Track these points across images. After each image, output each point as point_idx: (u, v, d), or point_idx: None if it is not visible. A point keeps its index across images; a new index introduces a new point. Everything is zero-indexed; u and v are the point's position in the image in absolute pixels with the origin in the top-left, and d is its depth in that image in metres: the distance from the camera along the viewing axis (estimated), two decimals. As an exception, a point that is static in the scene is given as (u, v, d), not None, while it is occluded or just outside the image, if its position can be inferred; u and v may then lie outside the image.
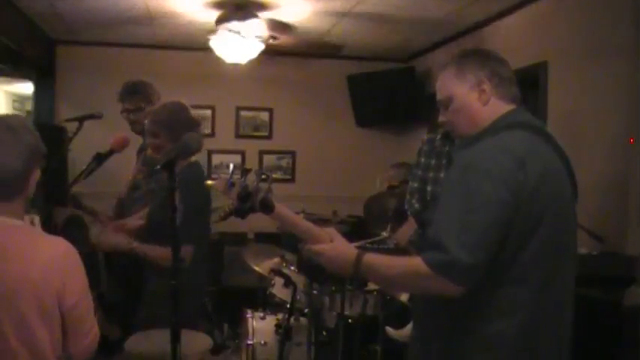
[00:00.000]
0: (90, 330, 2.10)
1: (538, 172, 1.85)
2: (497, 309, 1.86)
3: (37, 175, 2.07)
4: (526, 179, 1.82)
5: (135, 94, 4.12)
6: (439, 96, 2.13)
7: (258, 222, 2.20)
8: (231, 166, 2.12)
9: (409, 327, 3.58)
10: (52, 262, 1.97)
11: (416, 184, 3.70)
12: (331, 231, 2.11)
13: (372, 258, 1.97)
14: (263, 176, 2.06)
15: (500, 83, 2.05)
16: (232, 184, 2.06)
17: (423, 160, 3.76)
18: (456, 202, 1.84)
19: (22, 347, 1.92)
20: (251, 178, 2.07)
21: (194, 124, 3.26)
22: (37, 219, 2.61)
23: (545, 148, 1.97)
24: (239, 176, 2.06)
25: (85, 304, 2.08)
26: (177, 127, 3.14)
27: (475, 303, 1.86)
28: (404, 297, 3.26)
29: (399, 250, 3.52)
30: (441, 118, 2.14)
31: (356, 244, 3.08)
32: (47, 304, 1.95)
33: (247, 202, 2.04)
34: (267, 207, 2.05)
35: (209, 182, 2.26)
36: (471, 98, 2.04)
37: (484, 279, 1.81)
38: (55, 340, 2.00)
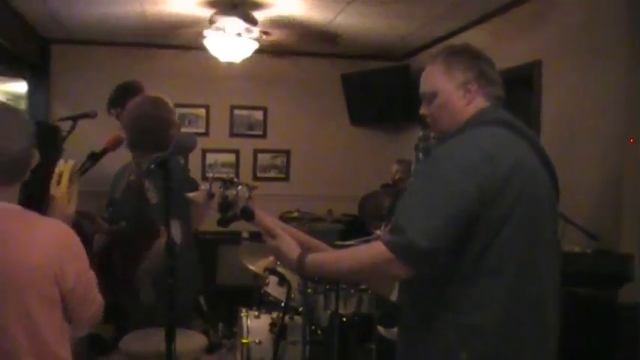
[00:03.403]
0: (92, 303, 2.12)
1: (508, 164, 1.86)
2: (473, 301, 1.87)
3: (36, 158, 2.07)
4: (495, 172, 1.83)
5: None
6: (423, 88, 2.13)
7: (252, 221, 2.23)
8: (210, 176, 2.23)
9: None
10: (48, 246, 1.97)
11: None
12: (280, 231, 2.16)
13: (316, 257, 2.04)
14: (239, 187, 2.15)
15: (487, 84, 2.06)
16: (212, 195, 2.15)
17: (421, 156, 3.77)
18: (421, 189, 1.89)
19: (22, 333, 1.92)
20: (231, 188, 2.16)
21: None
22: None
23: (519, 143, 1.97)
24: (219, 186, 2.15)
25: (85, 284, 2.07)
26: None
27: (451, 295, 1.88)
28: (394, 297, 3.27)
29: None
30: (423, 111, 2.15)
31: (349, 242, 3.10)
32: (46, 289, 1.95)
33: (229, 212, 2.15)
34: (247, 215, 2.15)
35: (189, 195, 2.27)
36: (456, 96, 2.05)
37: (458, 271, 1.84)
38: (55, 324, 2.00)
